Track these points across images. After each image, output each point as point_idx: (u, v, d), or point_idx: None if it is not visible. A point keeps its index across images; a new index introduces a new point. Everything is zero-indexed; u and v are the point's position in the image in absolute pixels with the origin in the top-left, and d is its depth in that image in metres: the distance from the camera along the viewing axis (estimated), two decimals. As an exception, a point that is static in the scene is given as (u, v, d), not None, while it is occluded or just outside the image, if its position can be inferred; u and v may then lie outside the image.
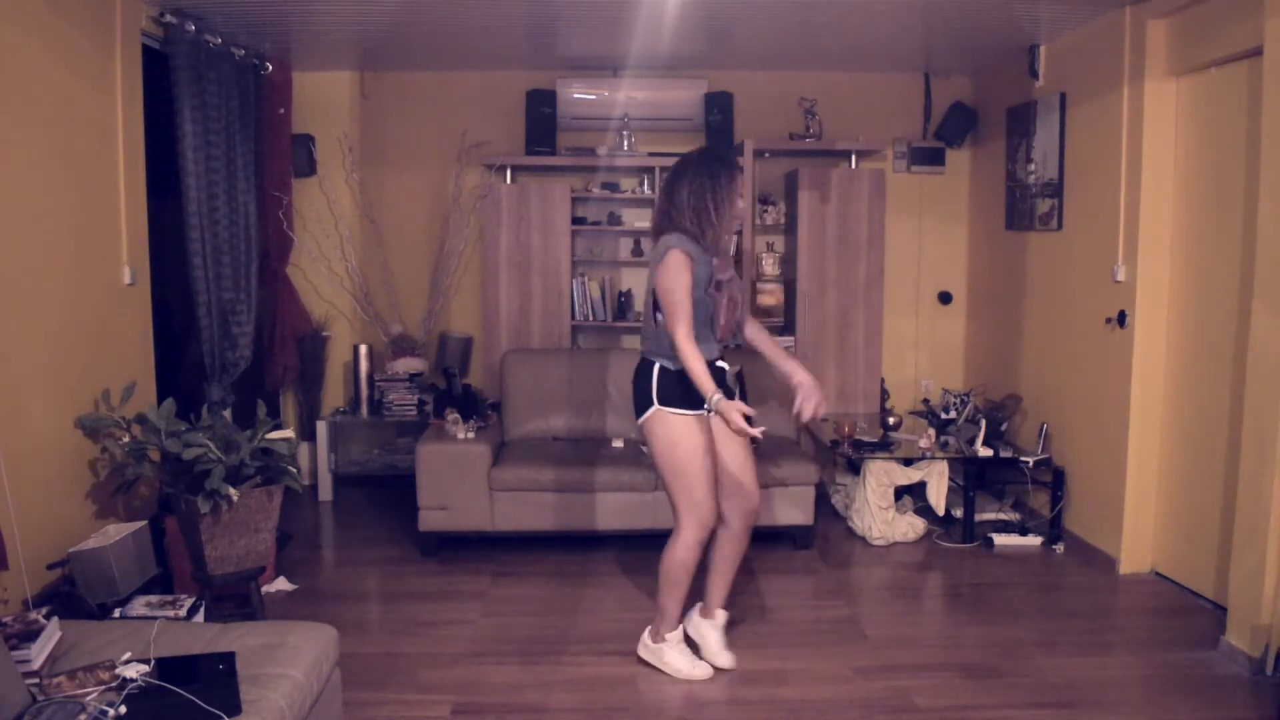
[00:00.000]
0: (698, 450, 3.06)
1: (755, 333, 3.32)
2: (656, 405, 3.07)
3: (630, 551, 4.44)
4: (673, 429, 3.06)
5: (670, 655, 3.24)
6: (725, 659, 3.27)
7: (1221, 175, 3.74)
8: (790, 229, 5.62)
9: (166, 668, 2.18)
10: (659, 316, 3.08)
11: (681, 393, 3.06)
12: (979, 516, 4.73)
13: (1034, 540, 4.59)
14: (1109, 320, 4.25)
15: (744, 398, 4.84)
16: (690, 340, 2.97)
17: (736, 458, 3.19)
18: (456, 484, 4.35)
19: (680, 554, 3.13)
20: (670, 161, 5.38)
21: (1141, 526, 4.19)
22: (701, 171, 3.06)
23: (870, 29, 4.68)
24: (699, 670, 3.21)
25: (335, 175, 5.56)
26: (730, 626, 3.46)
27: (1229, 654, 3.33)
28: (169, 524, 3.62)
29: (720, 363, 3.19)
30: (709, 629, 3.33)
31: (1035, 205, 4.98)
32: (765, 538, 4.56)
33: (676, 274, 2.99)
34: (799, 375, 3.14)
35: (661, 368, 3.08)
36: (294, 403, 5.62)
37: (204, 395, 4.40)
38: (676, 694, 3.12)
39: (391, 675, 3.25)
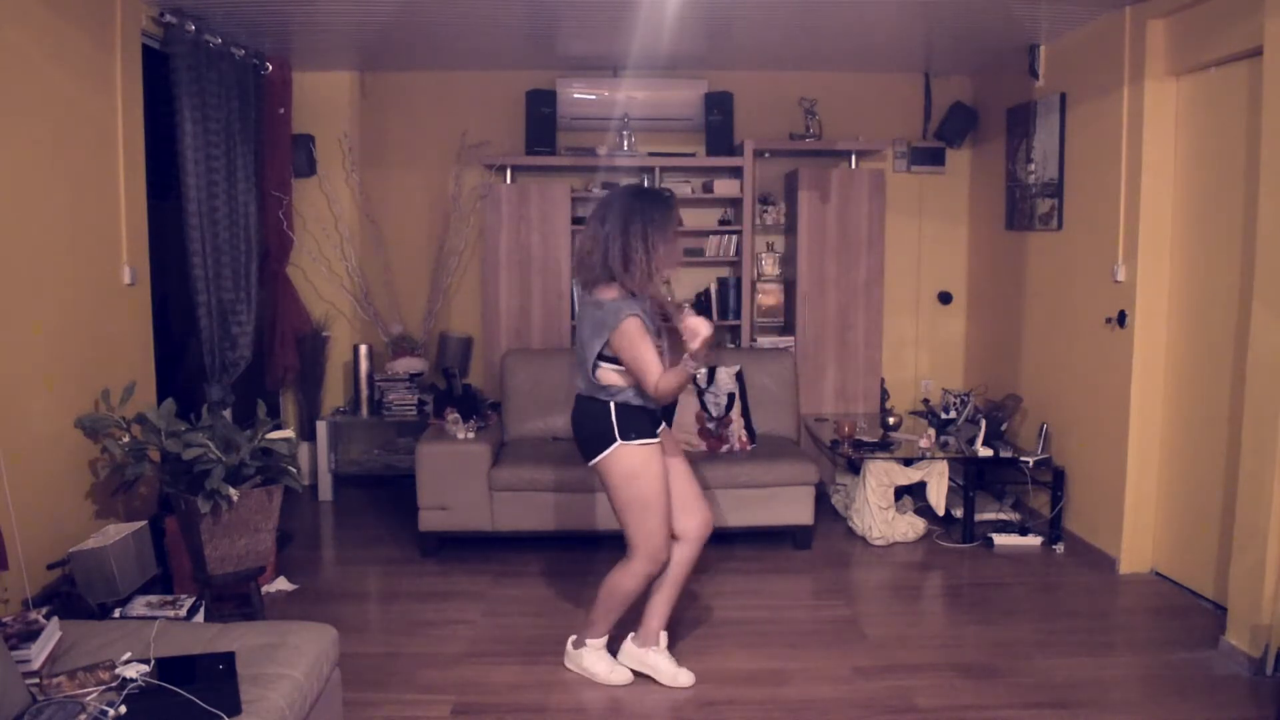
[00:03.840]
0: (658, 477, 3.02)
1: None
2: (620, 442, 2.99)
3: (630, 551, 4.44)
4: (634, 461, 3.00)
5: (588, 660, 3.22)
6: (685, 678, 3.19)
7: (1221, 175, 3.74)
8: (790, 229, 5.62)
9: (166, 668, 2.18)
10: (598, 371, 3.01)
11: (642, 422, 3.02)
12: (979, 516, 4.73)
13: (1034, 540, 4.59)
14: (1109, 320, 4.25)
15: (743, 399, 4.85)
16: (664, 379, 2.88)
17: (680, 476, 3.14)
18: (456, 484, 4.34)
19: (628, 584, 3.11)
20: (671, 161, 5.46)
21: (1141, 526, 4.19)
22: (639, 214, 2.92)
23: (870, 29, 4.68)
24: (617, 675, 3.19)
25: (335, 175, 5.56)
26: (732, 627, 3.46)
27: (1229, 654, 3.33)
28: (169, 524, 3.62)
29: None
30: (654, 656, 3.23)
31: (1035, 205, 4.98)
32: (765, 537, 4.57)
33: (640, 341, 2.90)
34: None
35: (619, 404, 3.00)
36: (294, 403, 5.62)
37: (204, 395, 4.40)
38: (676, 695, 3.12)
39: (391, 675, 3.25)
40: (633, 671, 3.21)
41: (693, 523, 3.14)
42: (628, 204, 2.95)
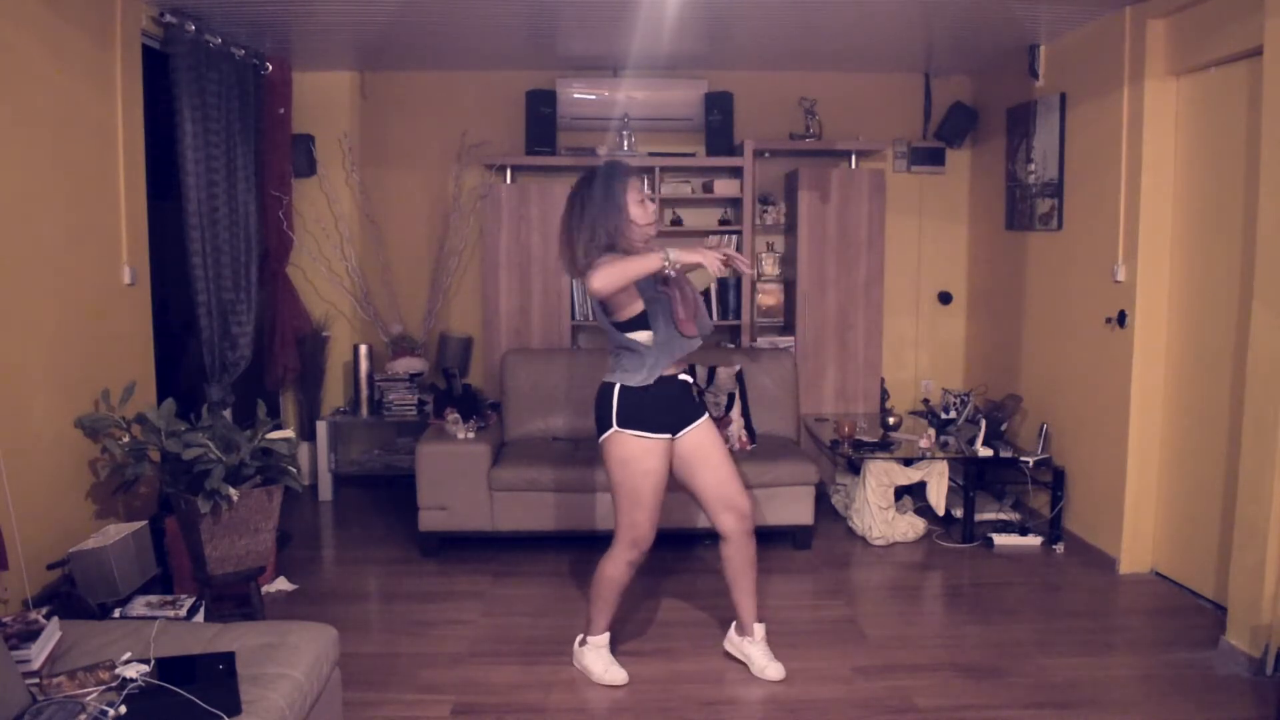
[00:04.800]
0: (649, 473, 3.05)
1: None
2: (615, 427, 3.04)
3: (630, 551, 4.44)
4: (627, 450, 3.04)
5: (588, 658, 3.24)
6: (774, 671, 3.22)
7: (1221, 175, 3.74)
8: (790, 229, 5.62)
9: (166, 668, 2.18)
10: (624, 337, 3.04)
11: (643, 414, 3.04)
12: (979, 516, 4.73)
13: (1034, 540, 4.59)
14: (1109, 320, 4.25)
15: (743, 399, 4.85)
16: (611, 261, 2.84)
17: (718, 471, 3.15)
18: (456, 484, 4.35)
19: (610, 571, 3.16)
20: (671, 161, 5.46)
21: (1141, 526, 4.19)
22: (580, 195, 3.00)
23: (870, 29, 4.68)
24: (611, 675, 3.19)
25: (335, 175, 5.56)
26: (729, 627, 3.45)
27: (1229, 654, 3.33)
28: (169, 524, 3.62)
29: (683, 377, 3.16)
30: (749, 646, 3.29)
31: (1035, 205, 4.98)
32: (765, 538, 4.55)
33: (611, 261, 2.84)
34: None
35: (622, 388, 3.04)
36: (294, 403, 5.62)
37: (204, 395, 4.40)
38: (676, 694, 3.12)
39: (391, 675, 3.25)
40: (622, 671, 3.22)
41: (727, 519, 3.15)
42: (574, 193, 3.03)
